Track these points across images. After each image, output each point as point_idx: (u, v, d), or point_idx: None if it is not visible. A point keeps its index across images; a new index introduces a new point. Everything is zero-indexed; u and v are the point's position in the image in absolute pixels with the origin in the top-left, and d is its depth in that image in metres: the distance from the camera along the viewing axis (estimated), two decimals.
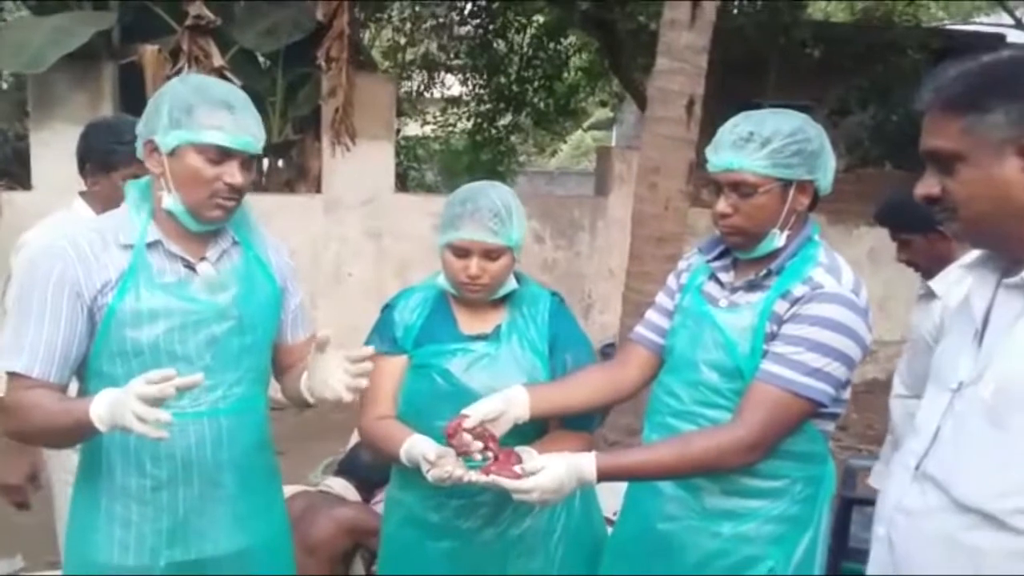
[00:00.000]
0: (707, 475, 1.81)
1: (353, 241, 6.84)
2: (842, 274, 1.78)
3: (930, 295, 2.69)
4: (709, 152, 1.84)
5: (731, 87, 7.54)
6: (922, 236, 2.73)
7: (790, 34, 8.75)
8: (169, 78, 6.19)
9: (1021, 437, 1.22)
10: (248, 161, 1.75)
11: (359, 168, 6.71)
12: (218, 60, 6.35)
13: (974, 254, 1.41)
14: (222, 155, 1.70)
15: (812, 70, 9.08)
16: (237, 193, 1.74)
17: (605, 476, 1.73)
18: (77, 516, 1.83)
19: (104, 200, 2.42)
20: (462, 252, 1.95)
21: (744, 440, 1.71)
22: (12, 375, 1.69)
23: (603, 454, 1.75)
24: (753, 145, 1.77)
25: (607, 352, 6.21)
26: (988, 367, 1.28)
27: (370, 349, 1.73)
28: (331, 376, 1.69)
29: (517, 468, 1.70)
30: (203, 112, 1.68)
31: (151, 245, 1.76)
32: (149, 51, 6.23)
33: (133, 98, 6.54)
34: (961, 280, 1.44)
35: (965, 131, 1.26)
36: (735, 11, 8.76)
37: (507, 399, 1.86)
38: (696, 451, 1.75)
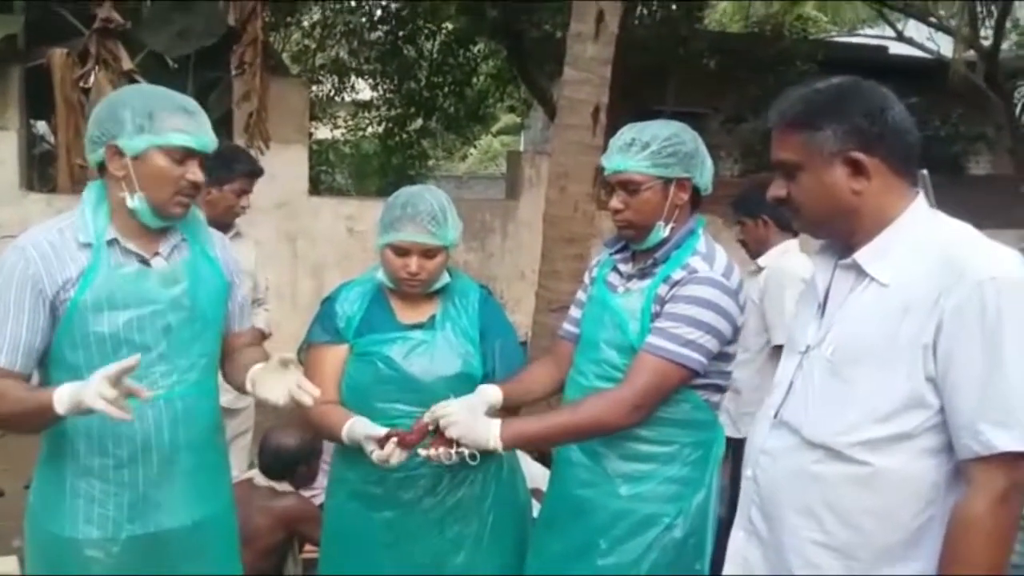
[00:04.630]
0: (600, 434, 2.06)
1: (267, 244, 6.88)
2: (715, 260, 2.06)
3: (757, 270, 3.38)
4: (603, 158, 2.13)
5: (634, 96, 7.88)
6: (752, 221, 3.42)
7: (688, 45, 9.19)
8: (77, 81, 6.24)
9: (854, 386, 1.51)
10: (203, 159, 1.92)
11: (273, 172, 6.67)
12: (127, 63, 6.31)
13: (790, 243, 1.72)
14: (185, 155, 1.87)
15: (709, 79, 9.54)
16: (196, 190, 1.91)
17: (510, 441, 1.96)
18: (41, 493, 1.95)
19: (212, 206, 3.26)
20: (402, 251, 2.15)
21: (628, 400, 1.98)
22: None
23: (506, 422, 1.98)
24: (635, 149, 2.05)
25: None
26: (828, 332, 1.58)
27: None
28: (281, 385, 1.87)
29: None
30: (165, 117, 1.85)
31: (109, 243, 1.90)
32: (57, 54, 6.15)
33: (40, 101, 6.47)
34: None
35: (803, 145, 1.54)
36: (636, 22, 9.13)
37: (481, 392, 2.09)
38: (585, 412, 2.02)
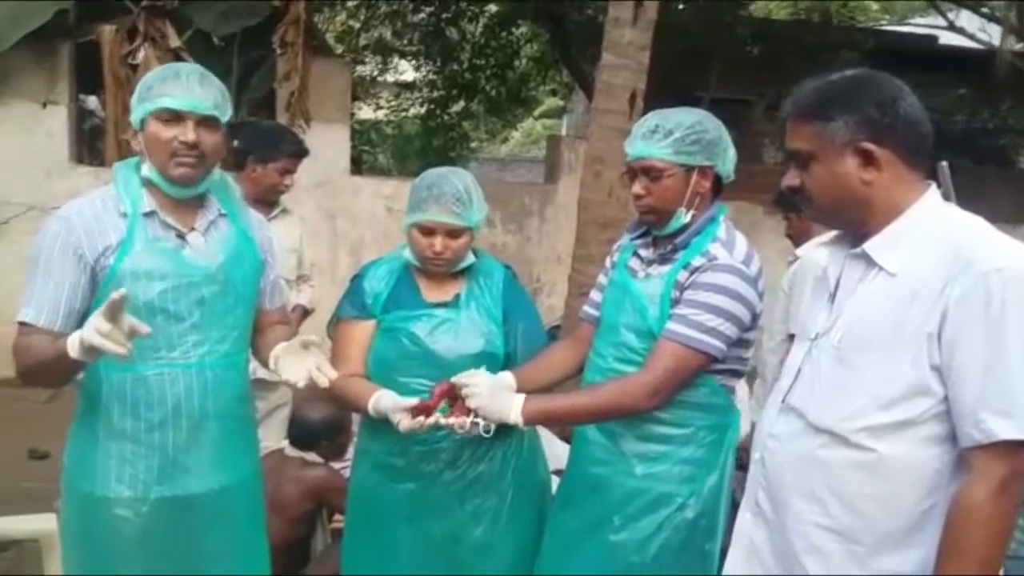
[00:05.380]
0: (619, 416, 2.10)
1: (308, 222, 6.94)
2: (735, 247, 2.08)
3: (795, 259, 3.42)
4: (626, 144, 2.14)
5: (675, 82, 7.83)
6: (796, 215, 3.48)
7: (731, 31, 9.08)
8: (126, 57, 6.38)
9: (860, 373, 1.53)
10: (208, 124, 1.96)
11: (314, 150, 6.76)
12: (175, 41, 6.43)
13: (831, 233, 1.75)
14: (174, 117, 1.93)
15: (752, 66, 9.43)
16: (194, 150, 1.95)
17: (530, 416, 2.02)
18: (75, 453, 2.04)
19: (256, 183, 3.46)
20: (427, 231, 2.20)
21: (649, 384, 2.01)
22: (21, 324, 1.92)
23: (529, 398, 2.04)
24: (659, 136, 2.07)
25: (553, 334, 6.47)
26: (837, 320, 1.60)
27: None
28: (301, 366, 1.92)
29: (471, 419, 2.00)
30: (157, 85, 1.95)
31: (148, 214, 1.98)
32: (106, 31, 6.28)
33: (90, 76, 6.62)
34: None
35: (815, 135, 1.56)
36: (679, 7, 9.05)
37: (498, 378, 2.12)
38: (606, 394, 2.07)
